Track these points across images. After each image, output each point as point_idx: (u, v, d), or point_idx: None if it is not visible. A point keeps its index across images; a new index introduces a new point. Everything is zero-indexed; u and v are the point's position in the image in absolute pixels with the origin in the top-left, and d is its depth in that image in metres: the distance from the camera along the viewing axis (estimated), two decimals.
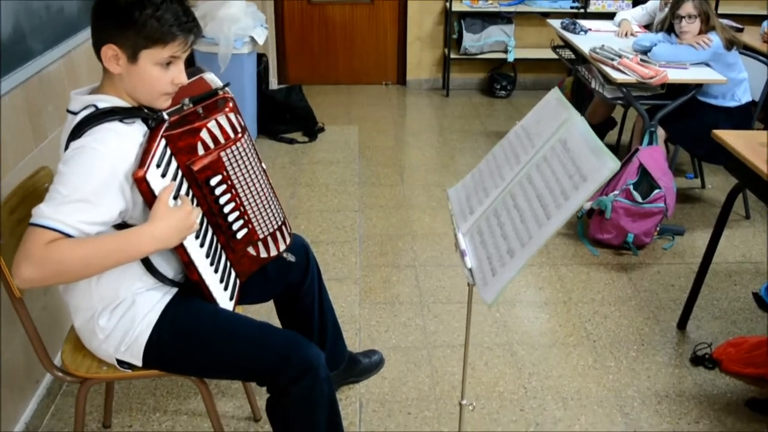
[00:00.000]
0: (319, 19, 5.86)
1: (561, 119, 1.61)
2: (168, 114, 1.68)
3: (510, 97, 5.89)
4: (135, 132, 1.63)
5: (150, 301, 1.74)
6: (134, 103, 1.67)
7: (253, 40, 4.14)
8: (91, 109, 1.61)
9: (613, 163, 1.41)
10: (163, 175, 1.61)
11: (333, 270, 3.21)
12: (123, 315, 1.72)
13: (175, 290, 1.78)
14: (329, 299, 2.29)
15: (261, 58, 4.80)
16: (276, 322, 2.18)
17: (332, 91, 5.94)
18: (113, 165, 1.54)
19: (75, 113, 1.62)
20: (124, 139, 1.58)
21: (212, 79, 1.85)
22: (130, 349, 1.73)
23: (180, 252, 1.67)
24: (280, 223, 1.93)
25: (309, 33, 5.90)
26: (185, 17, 1.61)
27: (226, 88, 1.77)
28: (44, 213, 1.48)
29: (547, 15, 5.58)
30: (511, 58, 5.76)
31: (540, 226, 1.45)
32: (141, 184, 1.55)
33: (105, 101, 1.63)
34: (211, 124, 1.68)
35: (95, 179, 1.52)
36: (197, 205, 1.74)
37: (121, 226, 1.62)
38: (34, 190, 1.85)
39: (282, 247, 1.97)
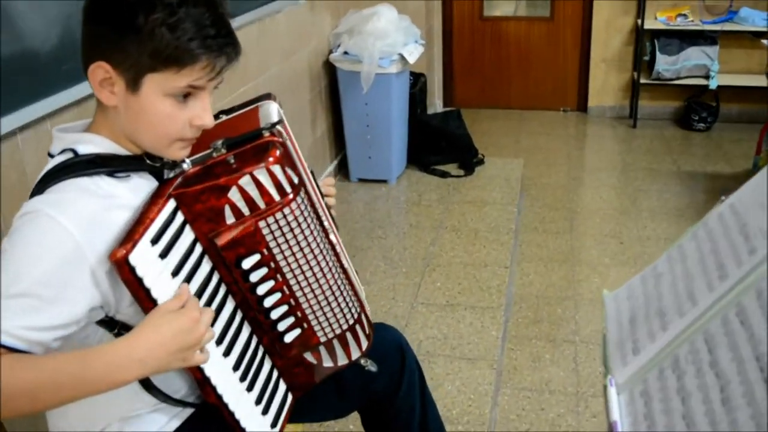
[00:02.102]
0: (492, 36, 5.25)
1: None
2: (190, 162, 1.17)
3: (710, 131, 4.92)
4: (129, 191, 1.12)
5: (149, 429, 1.22)
6: (136, 150, 1.16)
7: (402, 58, 3.61)
8: (68, 155, 1.12)
9: None
10: (164, 255, 1.09)
11: (466, 346, 2.57)
12: None
13: (189, 412, 1.25)
14: (436, 415, 1.67)
15: (418, 79, 4.27)
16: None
17: (502, 116, 5.29)
18: (79, 243, 1.03)
19: (53, 157, 1.14)
20: (102, 204, 1.07)
21: (269, 112, 1.31)
22: None
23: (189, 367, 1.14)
24: (353, 320, 1.35)
25: (480, 51, 5.30)
26: (215, 29, 1.07)
27: (279, 127, 1.22)
28: None
29: (760, 35, 4.57)
30: (713, 84, 4.78)
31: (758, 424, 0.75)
32: (121, 268, 1.03)
33: (90, 144, 1.13)
34: (245, 181, 1.13)
35: (48, 264, 1.01)
36: (226, 295, 1.20)
37: (109, 323, 1.11)
38: None
39: (355, 353, 1.38)
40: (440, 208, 3.66)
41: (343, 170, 4.09)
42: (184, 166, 1.16)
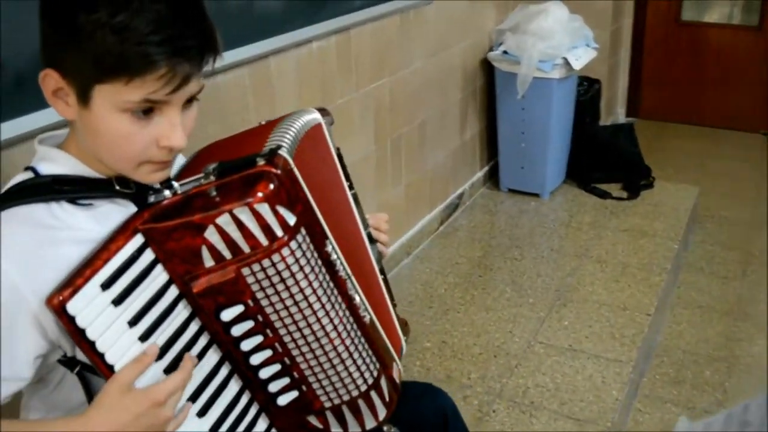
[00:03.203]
0: (689, 43, 4.66)
1: None
2: (173, 189, 0.99)
3: None
4: (93, 221, 0.96)
5: None
6: (106, 171, 0.98)
7: (567, 63, 3.25)
8: (29, 174, 0.97)
9: None
10: (119, 301, 0.92)
11: (578, 403, 2.22)
12: None
13: None
14: None
15: (591, 86, 3.86)
16: None
17: (690, 133, 4.70)
18: (15, 284, 0.88)
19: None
20: (50, 237, 0.92)
21: (293, 131, 1.10)
22: None
23: None
24: (367, 385, 1.11)
25: (673, 59, 4.73)
26: (172, 29, 0.87)
27: (283, 154, 1.00)
28: None
29: None
30: None
31: None
32: (59, 317, 0.86)
33: (53, 163, 0.97)
34: (223, 220, 0.93)
35: None
36: (209, 345, 1.02)
37: (69, 362, 0.97)
38: None
39: (369, 423, 1.15)
40: (590, 234, 3.27)
41: (493, 178, 3.80)
42: (166, 193, 0.98)
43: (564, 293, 2.81)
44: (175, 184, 0.99)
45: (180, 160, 1.14)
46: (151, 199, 0.98)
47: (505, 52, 3.35)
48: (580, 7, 3.57)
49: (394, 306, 1.34)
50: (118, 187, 0.97)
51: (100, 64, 0.85)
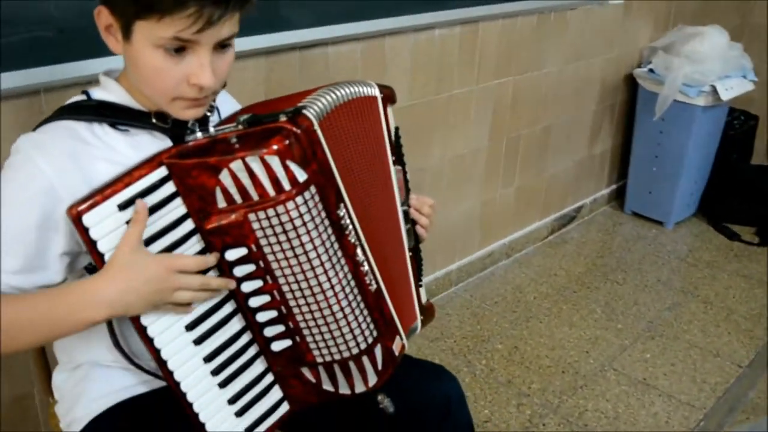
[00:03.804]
0: None
1: None
2: (206, 132, 1.08)
3: None
4: (129, 147, 1.07)
5: (109, 385, 1.17)
6: (150, 105, 1.09)
7: (715, 91, 3.08)
8: (82, 97, 1.09)
9: None
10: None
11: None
12: (76, 384, 1.19)
13: (160, 385, 1.18)
14: None
15: (747, 121, 3.63)
16: None
17: None
18: (53, 184, 1.00)
19: None
20: (89, 151, 1.03)
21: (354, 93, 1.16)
22: (71, 429, 1.21)
23: (140, 334, 1.06)
24: (359, 350, 1.15)
25: None
26: None
27: (308, 113, 1.06)
28: None
29: None
30: None
31: None
32: (75, 226, 0.98)
33: (104, 91, 1.09)
34: (236, 166, 1.01)
35: (21, 207, 1.00)
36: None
37: (94, 271, 1.08)
38: None
39: (359, 386, 1.19)
40: (704, 272, 3.09)
41: (619, 198, 3.68)
42: (198, 134, 1.07)
43: (656, 326, 2.69)
44: (211, 129, 1.08)
45: (234, 107, 1.24)
46: (188, 138, 1.08)
47: (651, 71, 3.22)
48: (744, 37, 3.36)
49: (419, 286, 1.36)
50: (154, 120, 1.07)
51: (137, 1, 0.95)
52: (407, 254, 1.33)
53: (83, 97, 1.08)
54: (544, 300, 2.83)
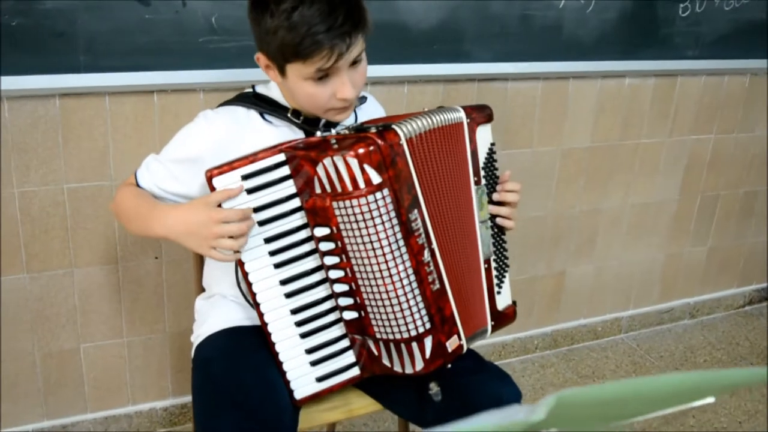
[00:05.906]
0: None
1: None
2: (327, 130, 1.37)
3: None
4: (272, 137, 1.41)
5: (226, 314, 1.51)
6: (296, 106, 1.44)
7: None
8: (249, 89, 1.47)
9: None
10: (251, 192, 1.32)
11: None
12: (207, 310, 1.55)
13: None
14: None
15: None
16: None
17: None
18: (207, 148, 1.39)
19: None
20: (239, 129, 1.40)
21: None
22: (197, 341, 1.56)
23: (244, 278, 1.37)
24: (409, 336, 1.34)
25: None
26: (325, 24, 1.24)
27: (397, 128, 1.29)
28: (145, 161, 1.47)
29: None
30: None
31: None
32: (208, 184, 1.32)
33: (266, 88, 1.46)
34: (327, 162, 1.29)
35: (183, 152, 1.42)
36: (312, 251, 1.37)
37: None
38: None
39: (408, 368, 1.38)
40: None
41: None
42: (317, 133, 1.36)
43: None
44: (332, 130, 1.36)
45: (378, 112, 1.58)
46: (316, 134, 1.37)
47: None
48: None
49: (494, 294, 1.51)
50: (289, 115, 1.40)
51: (283, 53, 1.28)
52: (482, 266, 1.49)
53: (250, 89, 1.46)
54: (714, 365, 2.74)
